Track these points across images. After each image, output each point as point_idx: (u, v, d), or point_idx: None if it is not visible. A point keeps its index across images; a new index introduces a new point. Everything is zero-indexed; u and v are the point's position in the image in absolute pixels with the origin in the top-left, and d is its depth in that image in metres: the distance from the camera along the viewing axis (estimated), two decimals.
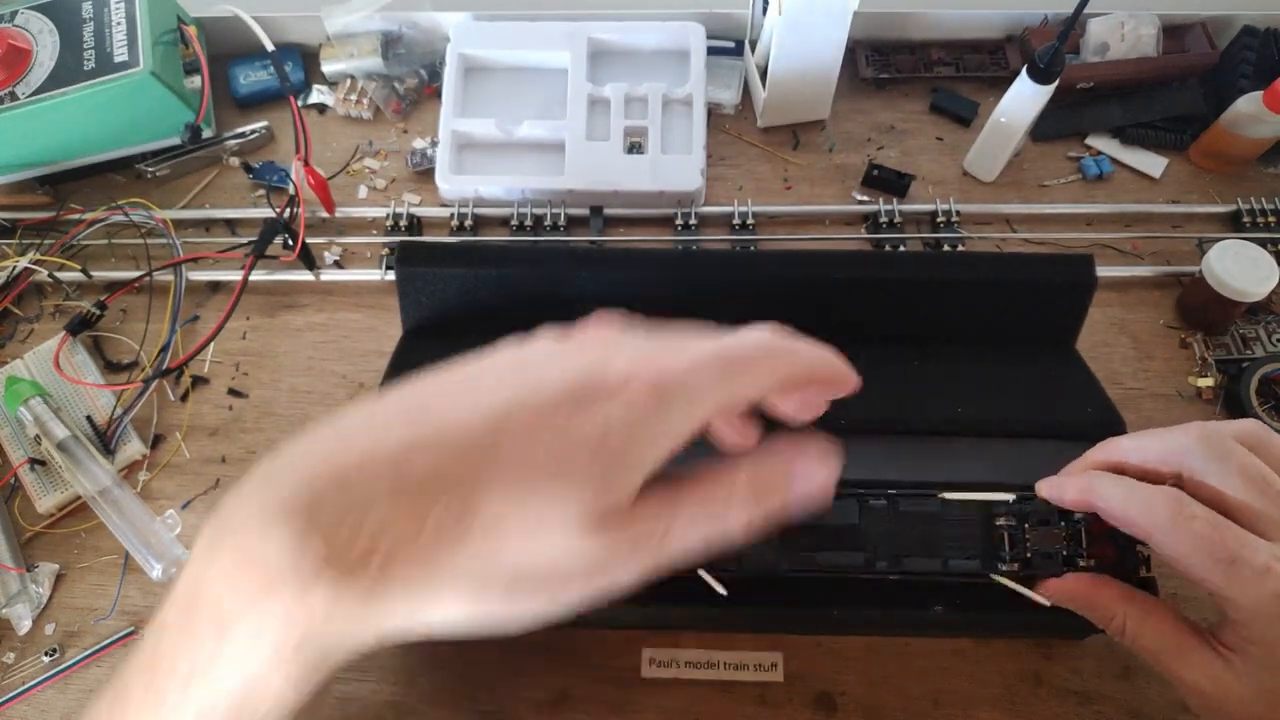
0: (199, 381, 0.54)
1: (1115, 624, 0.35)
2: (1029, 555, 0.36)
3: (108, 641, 0.46)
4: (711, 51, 0.62)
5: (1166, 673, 0.33)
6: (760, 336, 0.26)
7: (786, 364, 0.26)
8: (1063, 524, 0.37)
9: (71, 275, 0.56)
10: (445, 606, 0.23)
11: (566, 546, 0.23)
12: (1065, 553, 0.36)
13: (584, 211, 0.58)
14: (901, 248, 0.57)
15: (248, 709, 0.23)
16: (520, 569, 0.23)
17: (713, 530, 0.25)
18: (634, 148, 0.59)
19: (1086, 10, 0.48)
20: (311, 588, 0.22)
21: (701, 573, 0.35)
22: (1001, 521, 0.37)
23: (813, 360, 0.27)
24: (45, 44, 0.56)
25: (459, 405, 0.24)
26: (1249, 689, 0.31)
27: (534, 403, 0.24)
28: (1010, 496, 0.36)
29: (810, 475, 0.26)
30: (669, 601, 0.38)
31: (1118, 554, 0.37)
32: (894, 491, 0.37)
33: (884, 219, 0.57)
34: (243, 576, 0.22)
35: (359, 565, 0.22)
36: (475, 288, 0.47)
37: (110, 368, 0.54)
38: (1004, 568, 0.36)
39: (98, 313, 0.54)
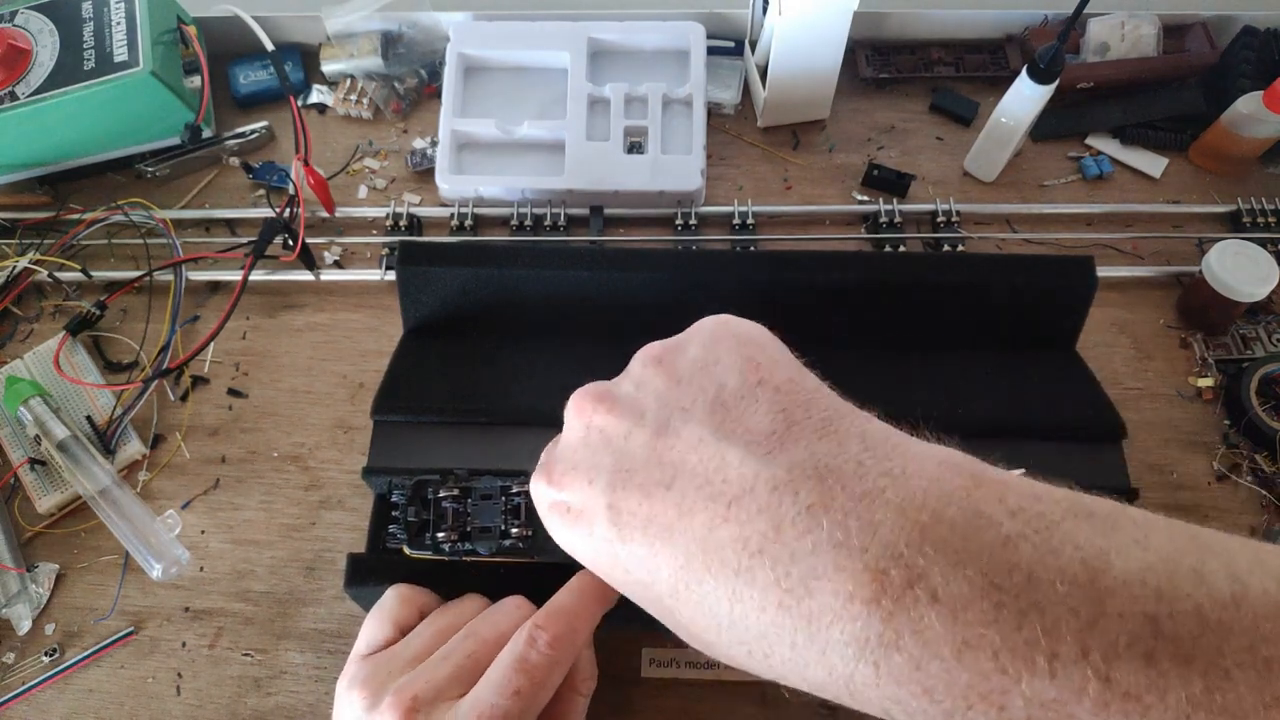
0: (199, 381, 0.54)
1: None
2: None
3: (108, 641, 0.46)
4: (711, 51, 0.62)
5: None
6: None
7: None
8: None
9: (71, 275, 0.56)
10: None
11: None
12: None
13: (584, 211, 0.58)
14: (901, 248, 0.57)
15: None
16: None
17: None
18: (634, 148, 0.59)
19: (1087, 10, 0.48)
20: None
21: None
22: None
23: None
24: (45, 44, 0.56)
25: None
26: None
27: None
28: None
29: None
30: None
31: None
32: None
33: (884, 219, 0.57)
34: None
35: None
36: (476, 287, 0.47)
37: (110, 368, 0.54)
38: None
39: (98, 313, 0.54)
